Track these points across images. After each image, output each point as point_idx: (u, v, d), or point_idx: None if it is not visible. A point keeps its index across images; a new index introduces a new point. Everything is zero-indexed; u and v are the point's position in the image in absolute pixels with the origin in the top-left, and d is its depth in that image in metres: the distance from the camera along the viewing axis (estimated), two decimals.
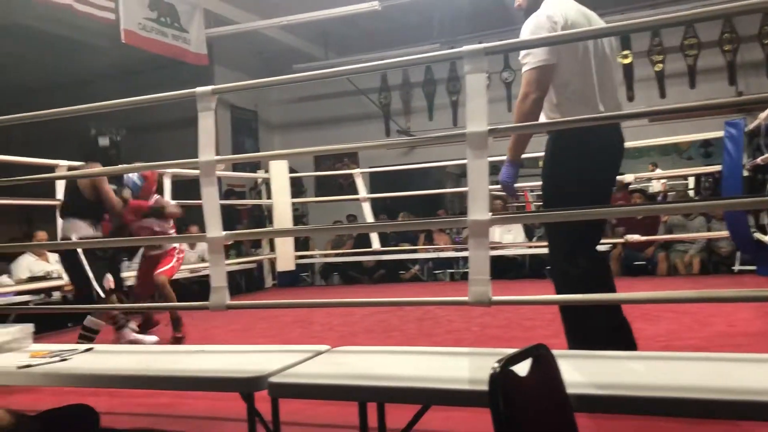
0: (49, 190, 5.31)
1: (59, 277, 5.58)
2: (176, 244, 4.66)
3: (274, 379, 1.95)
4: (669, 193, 9.71)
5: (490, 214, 2.27)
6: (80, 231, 3.87)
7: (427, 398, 1.81)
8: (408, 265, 8.43)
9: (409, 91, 10.68)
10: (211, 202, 2.61)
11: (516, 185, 3.00)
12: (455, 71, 10.03)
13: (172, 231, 4.65)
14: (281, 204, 7.49)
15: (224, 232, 2.62)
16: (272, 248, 8.03)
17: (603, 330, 2.79)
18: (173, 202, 4.80)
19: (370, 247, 7.73)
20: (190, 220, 8.49)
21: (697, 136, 7.33)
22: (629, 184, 7.48)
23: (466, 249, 7.61)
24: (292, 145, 10.53)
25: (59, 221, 4.39)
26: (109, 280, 3.94)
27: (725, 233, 6.32)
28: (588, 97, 2.76)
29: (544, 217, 2.97)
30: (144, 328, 4.50)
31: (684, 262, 7.10)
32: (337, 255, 8.76)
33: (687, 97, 8.81)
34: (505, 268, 7.41)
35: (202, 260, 7.72)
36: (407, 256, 8.37)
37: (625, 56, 9.07)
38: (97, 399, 2.48)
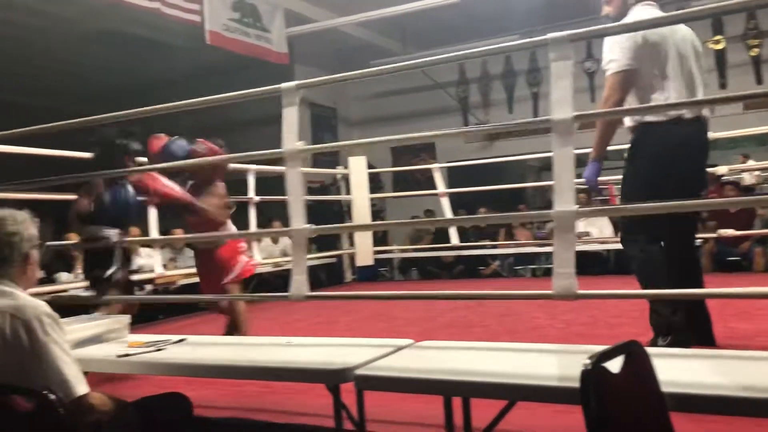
0: None
1: (151, 270, 5.83)
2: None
3: (360, 372, 1.97)
4: (764, 185, 9.22)
5: (577, 206, 2.21)
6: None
7: (514, 394, 1.78)
8: (488, 261, 8.34)
9: (488, 84, 10.55)
10: (295, 193, 2.65)
11: (600, 179, 3.23)
12: (536, 62, 9.83)
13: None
14: (360, 199, 7.56)
15: (308, 225, 2.66)
16: (351, 243, 8.12)
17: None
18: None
19: (449, 242, 7.70)
20: (272, 215, 8.71)
21: None
22: (722, 176, 7.14)
23: (548, 244, 7.49)
24: None
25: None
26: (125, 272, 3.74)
27: None
28: (671, 92, 2.98)
29: (630, 210, 2.87)
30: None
31: None
32: (415, 250, 8.76)
33: None
34: (588, 264, 7.22)
35: (285, 254, 7.90)
36: (487, 251, 8.28)
37: (717, 42, 8.65)
38: (188, 388, 2.57)
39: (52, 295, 4.78)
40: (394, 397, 2.39)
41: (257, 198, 6.62)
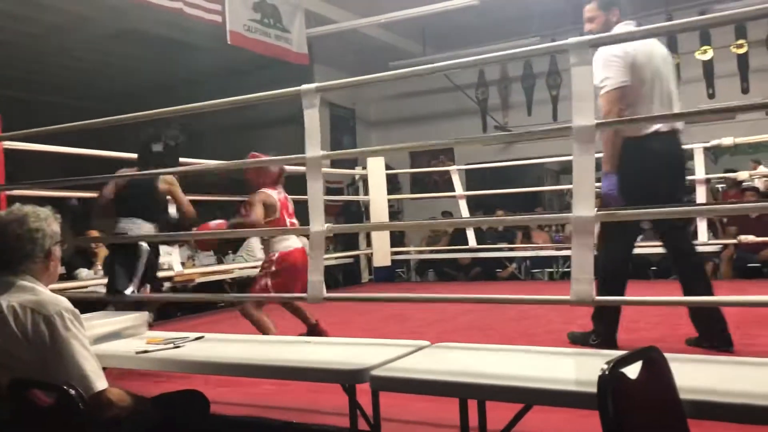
0: None
1: (170, 268, 5.87)
2: (269, 256, 3.94)
3: (376, 372, 1.97)
4: None
5: (596, 210, 2.21)
6: (147, 232, 3.72)
7: (530, 398, 1.78)
8: (505, 263, 8.31)
9: (507, 86, 10.52)
10: (315, 196, 2.68)
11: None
12: (555, 65, 9.79)
13: None
14: (378, 200, 7.57)
15: (326, 226, 2.69)
16: (369, 243, 8.13)
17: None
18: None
19: (466, 244, 7.69)
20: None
21: None
22: (742, 181, 7.07)
23: (566, 248, 7.45)
24: (389, 142, 10.62)
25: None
26: (146, 289, 3.75)
27: None
28: (652, 107, 3.25)
29: (647, 215, 2.86)
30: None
31: None
32: (432, 252, 8.76)
33: None
34: None
35: None
36: (504, 254, 8.26)
37: (740, 46, 8.56)
38: (205, 386, 2.60)
39: (72, 291, 4.85)
40: (409, 398, 2.39)
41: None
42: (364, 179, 8.07)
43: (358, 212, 9.45)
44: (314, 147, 2.66)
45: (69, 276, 6.13)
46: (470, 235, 7.56)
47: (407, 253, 8.98)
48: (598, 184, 2.97)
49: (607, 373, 1.27)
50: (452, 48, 9.72)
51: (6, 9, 7.70)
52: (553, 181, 12.34)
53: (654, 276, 7.50)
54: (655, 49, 3.36)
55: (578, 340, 3.61)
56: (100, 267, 6.25)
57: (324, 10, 8.84)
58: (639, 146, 3.24)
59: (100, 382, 1.84)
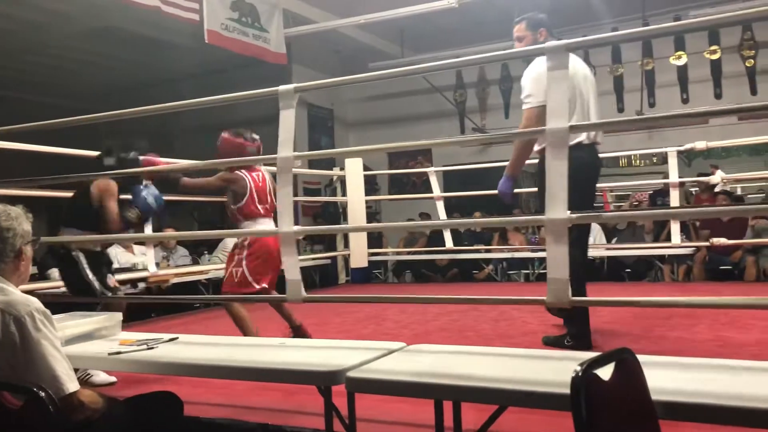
0: None
1: (144, 269, 5.82)
2: (240, 241, 3.85)
3: (351, 374, 1.97)
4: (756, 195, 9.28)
5: (569, 212, 2.22)
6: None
7: (504, 399, 1.79)
8: (482, 265, 8.35)
9: (485, 89, 10.57)
10: (285, 198, 2.67)
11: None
12: None
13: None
14: (356, 201, 7.56)
15: (296, 227, 2.67)
16: (346, 244, 8.12)
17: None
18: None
19: (444, 245, 7.71)
20: None
21: None
22: (715, 185, 7.17)
23: (541, 249, 7.50)
24: (366, 142, 10.62)
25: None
26: (113, 279, 3.68)
27: None
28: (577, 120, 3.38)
29: (623, 218, 2.89)
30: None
31: None
32: (409, 253, 8.77)
33: None
34: None
35: None
36: (481, 255, 8.30)
37: (714, 51, 8.70)
38: (179, 387, 2.57)
39: (44, 291, 4.77)
40: (385, 400, 2.39)
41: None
42: (342, 180, 8.06)
43: (335, 213, 9.43)
44: (287, 148, 2.64)
45: (41, 276, 6.04)
46: (447, 236, 7.59)
47: (384, 254, 8.98)
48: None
49: (579, 374, 1.28)
50: (431, 50, 9.75)
51: None
52: (530, 183, 12.42)
53: (628, 278, 7.59)
54: (577, 67, 3.57)
55: (553, 343, 3.67)
56: None
57: (302, 10, 8.81)
58: (573, 153, 3.21)
59: (72, 384, 1.81)
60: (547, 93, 2.27)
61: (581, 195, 3.34)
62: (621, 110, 9.30)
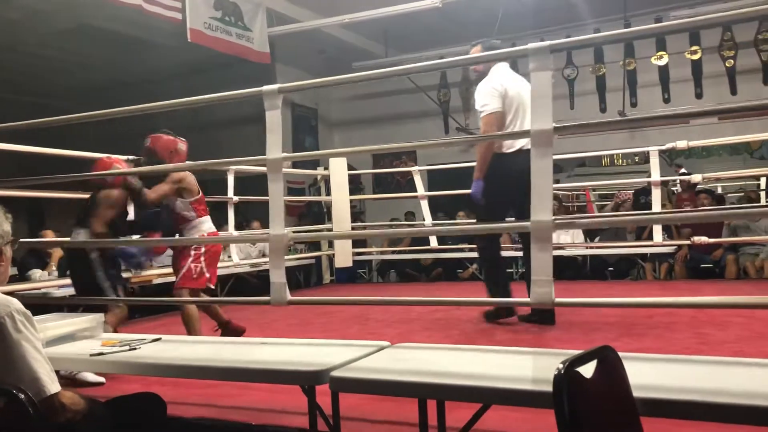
0: None
1: (127, 270, 5.76)
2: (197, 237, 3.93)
3: (335, 374, 1.97)
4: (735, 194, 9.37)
5: (553, 216, 2.24)
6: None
7: (488, 397, 1.80)
8: (466, 264, 8.38)
9: (468, 88, 10.57)
10: (276, 199, 2.67)
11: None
12: (516, 69, 9.89)
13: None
14: (340, 201, 7.55)
15: (287, 230, 2.67)
16: (330, 245, 8.11)
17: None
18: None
19: (428, 245, 7.72)
20: (251, 215, 8.66)
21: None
22: (696, 184, 7.24)
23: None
24: (351, 142, 10.61)
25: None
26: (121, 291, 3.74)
27: None
28: (511, 130, 4.13)
29: (606, 222, 2.92)
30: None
31: (755, 266, 6.83)
32: (394, 252, 8.77)
33: (760, 94, 8.46)
34: (563, 268, 7.28)
35: (263, 255, 7.87)
36: (465, 255, 8.32)
37: (694, 52, 8.78)
38: (162, 388, 2.56)
39: (25, 292, 4.72)
40: (369, 399, 2.40)
41: (236, 198, 6.59)
42: (326, 180, 8.05)
43: (320, 213, 9.42)
44: (275, 148, 2.64)
45: (21, 277, 5.98)
46: (432, 236, 7.61)
47: (369, 253, 8.98)
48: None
49: (562, 372, 1.29)
50: (415, 50, 9.76)
51: None
52: None
53: (611, 276, 7.65)
54: (520, 84, 4.17)
55: (490, 316, 4.39)
56: (54, 268, 6.10)
57: (286, 10, 8.78)
58: (507, 160, 4.11)
59: (53, 386, 1.79)
60: (531, 94, 2.28)
61: (518, 195, 3.89)
62: (603, 110, 9.36)
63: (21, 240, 3.31)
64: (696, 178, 6.70)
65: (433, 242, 7.66)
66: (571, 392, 1.28)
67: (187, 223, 3.89)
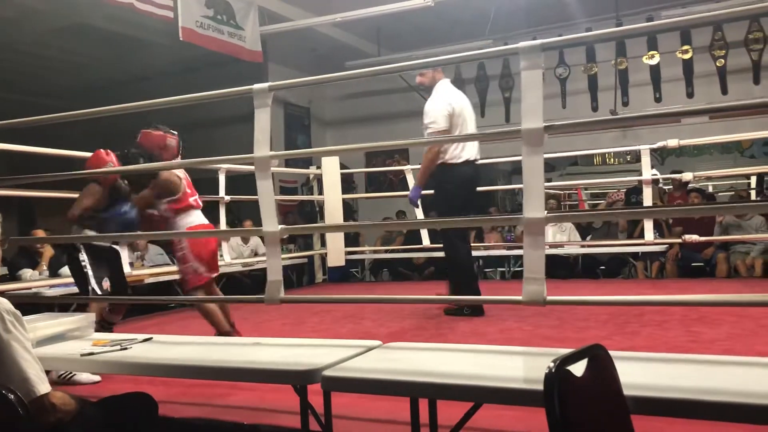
0: None
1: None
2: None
3: (327, 373, 1.97)
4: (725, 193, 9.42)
5: (546, 212, 2.24)
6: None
7: (479, 396, 1.80)
8: None
9: (460, 87, 10.58)
10: (266, 197, 2.66)
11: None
12: (508, 68, 9.92)
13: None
14: (332, 199, 7.54)
15: (280, 227, 2.67)
16: (323, 243, 8.11)
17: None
18: None
19: (421, 243, 7.73)
20: (243, 215, 8.65)
21: (759, 134, 7.08)
22: (688, 182, 7.27)
23: (517, 247, 7.55)
24: (343, 141, 10.60)
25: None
26: (106, 282, 3.65)
27: None
28: (463, 147, 4.57)
29: (597, 216, 2.93)
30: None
31: (746, 264, 6.87)
32: (387, 251, 8.77)
33: (750, 94, 8.51)
34: (556, 267, 7.30)
35: (255, 254, 7.86)
36: None
37: (686, 51, 8.82)
38: (153, 388, 2.55)
39: (16, 292, 4.70)
40: (361, 398, 2.40)
41: (228, 197, 6.58)
42: (319, 178, 8.04)
43: (312, 212, 9.41)
44: (263, 147, 2.63)
45: (12, 277, 5.95)
46: (424, 235, 7.61)
47: (362, 252, 8.98)
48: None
49: (553, 371, 1.29)
50: (407, 48, 9.76)
51: None
52: (506, 181, 12.51)
53: (603, 275, 7.68)
54: (462, 100, 4.65)
55: (454, 312, 4.72)
56: (45, 267, 6.07)
57: (278, 8, 8.77)
58: (455, 170, 4.54)
59: (43, 386, 1.79)
60: (523, 92, 2.28)
61: (466, 202, 4.61)
62: (595, 109, 9.40)
63: (11, 237, 3.32)
64: (687, 176, 6.73)
65: (426, 241, 7.66)
66: (562, 391, 1.28)
67: (167, 225, 3.85)
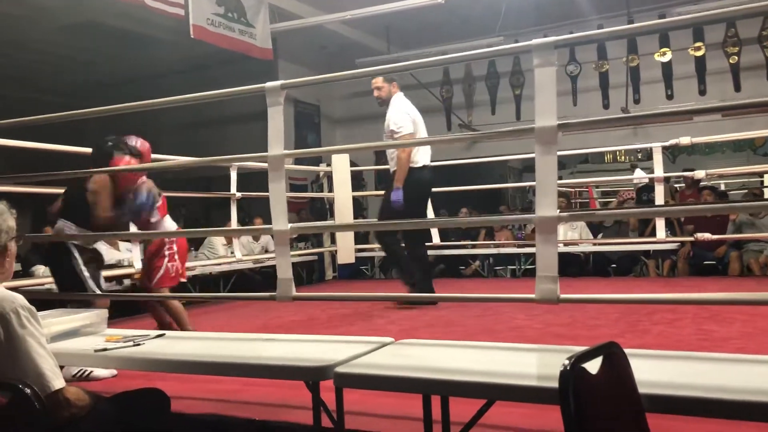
0: None
1: (130, 265, 5.77)
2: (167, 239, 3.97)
3: (340, 369, 1.97)
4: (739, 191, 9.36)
5: (558, 210, 2.23)
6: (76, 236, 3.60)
7: (492, 393, 1.80)
8: (468, 261, 8.37)
9: (471, 85, 10.58)
10: (278, 195, 2.66)
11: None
12: (519, 65, 9.89)
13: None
14: (342, 197, 7.54)
15: (290, 225, 2.67)
16: (333, 241, 8.11)
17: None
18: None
19: (431, 241, 7.72)
20: (254, 212, 8.67)
21: None
22: (700, 180, 7.23)
23: (528, 245, 7.53)
24: (353, 139, 10.59)
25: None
26: (103, 282, 3.69)
27: None
28: (420, 152, 5.07)
29: (610, 216, 2.91)
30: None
31: (759, 263, 6.82)
32: None
33: (764, 91, 8.43)
34: (567, 264, 7.28)
35: (266, 251, 7.87)
36: (468, 251, 8.32)
37: (698, 48, 8.76)
38: (166, 384, 2.55)
39: (29, 288, 4.73)
40: (373, 394, 2.40)
41: (239, 194, 6.60)
42: (329, 176, 8.04)
43: (323, 209, 9.41)
44: (277, 145, 2.64)
45: (25, 273, 5.99)
46: (434, 232, 7.60)
47: (371, 250, 8.97)
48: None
49: (568, 368, 1.29)
50: (417, 46, 9.76)
51: None
52: (516, 179, 12.49)
53: (614, 273, 7.65)
54: (418, 113, 5.16)
55: (405, 303, 5.14)
56: None
57: (289, 6, 8.79)
58: (416, 173, 5.02)
59: (57, 381, 1.80)
60: (536, 90, 2.27)
61: (420, 205, 5.21)
62: (606, 106, 9.36)
63: (26, 235, 3.33)
64: (699, 174, 6.68)
65: (436, 239, 7.65)
66: (577, 388, 1.28)
67: (151, 226, 3.87)
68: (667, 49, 8.87)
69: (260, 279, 7.51)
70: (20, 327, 1.79)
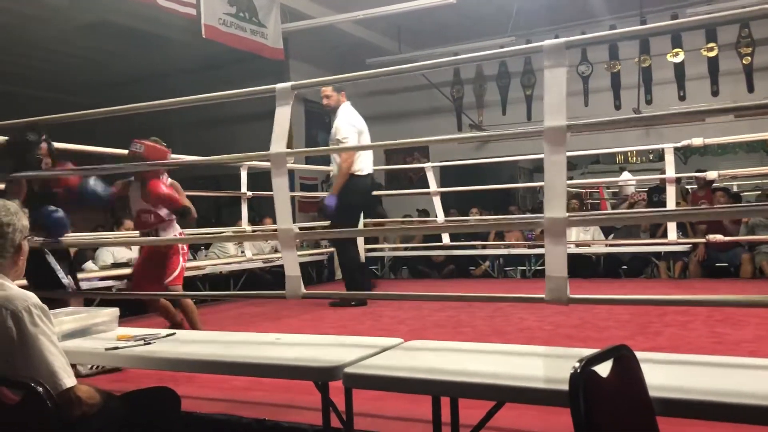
0: None
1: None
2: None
3: (349, 370, 1.97)
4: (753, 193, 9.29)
5: (567, 213, 2.22)
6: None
7: (502, 395, 1.79)
8: (478, 261, 8.36)
9: (482, 85, 10.55)
10: (281, 194, 2.67)
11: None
12: (530, 65, 9.85)
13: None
14: None
15: (295, 225, 2.67)
16: None
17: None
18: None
19: (440, 242, 7.71)
20: (264, 211, 8.69)
21: None
22: (712, 181, 7.17)
23: (538, 246, 7.51)
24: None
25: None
26: (72, 283, 3.64)
27: None
28: (364, 161, 5.39)
29: (622, 220, 2.90)
30: None
31: None
32: (406, 249, 8.77)
33: None
34: (578, 266, 7.25)
35: (276, 250, 7.89)
36: (477, 252, 8.30)
37: (711, 49, 8.70)
38: (176, 383, 2.57)
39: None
40: (382, 395, 2.40)
41: (249, 193, 6.62)
42: None
43: None
44: (279, 144, 2.64)
45: None
46: (444, 233, 7.60)
47: (381, 250, 8.97)
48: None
49: (578, 371, 1.28)
50: (428, 45, 9.74)
51: None
52: (527, 179, 12.45)
53: (625, 275, 7.61)
54: (363, 122, 5.49)
55: (340, 305, 5.35)
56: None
57: (300, 6, 8.80)
58: (360, 180, 5.32)
59: (69, 379, 1.81)
60: (546, 91, 2.26)
61: (360, 210, 5.64)
62: (618, 107, 9.31)
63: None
64: (712, 175, 6.63)
65: (446, 239, 7.64)
66: (587, 391, 1.27)
67: (164, 223, 3.91)
68: (680, 50, 8.82)
69: (270, 278, 7.52)
70: (32, 325, 1.80)
